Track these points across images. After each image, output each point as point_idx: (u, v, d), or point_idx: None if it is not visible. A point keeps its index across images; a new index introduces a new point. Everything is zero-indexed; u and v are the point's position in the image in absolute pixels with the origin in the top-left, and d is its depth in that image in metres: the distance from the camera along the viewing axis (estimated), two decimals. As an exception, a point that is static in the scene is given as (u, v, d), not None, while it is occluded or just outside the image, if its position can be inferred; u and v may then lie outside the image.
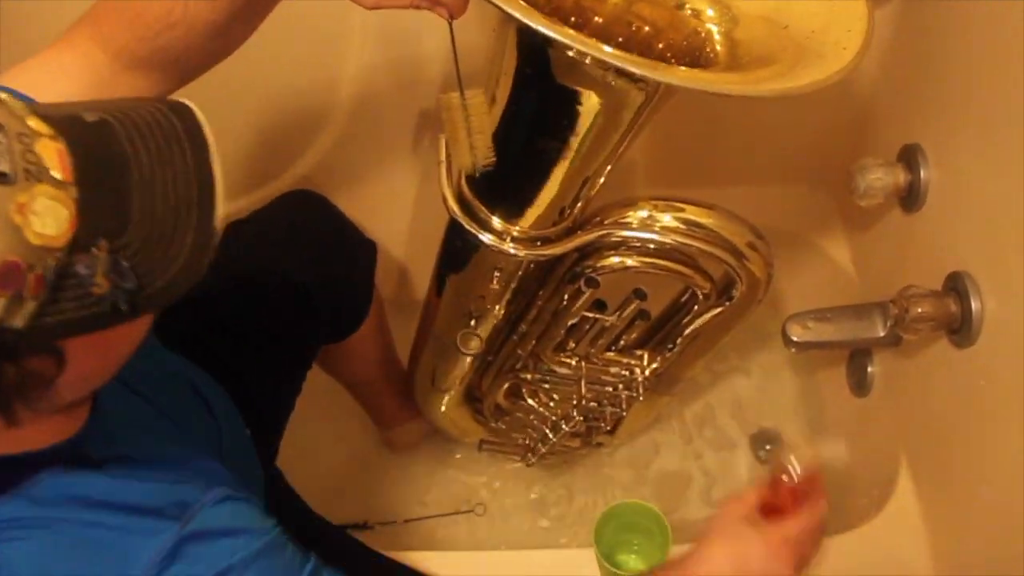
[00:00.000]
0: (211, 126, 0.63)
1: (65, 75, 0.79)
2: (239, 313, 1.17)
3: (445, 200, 1.00)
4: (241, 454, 1.05)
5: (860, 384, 1.41)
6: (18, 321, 0.52)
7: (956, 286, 1.09)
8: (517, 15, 0.70)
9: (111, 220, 0.55)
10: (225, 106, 1.23)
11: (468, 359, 1.22)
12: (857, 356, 1.42)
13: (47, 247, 0.52)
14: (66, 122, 0.56)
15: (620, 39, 0.96)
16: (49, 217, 0.52)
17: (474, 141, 0.88)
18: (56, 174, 0.53)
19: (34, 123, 0.54)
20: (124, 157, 0.57)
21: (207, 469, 0.82)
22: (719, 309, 1.15)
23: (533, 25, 0.70)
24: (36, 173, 0.52)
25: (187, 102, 0.62)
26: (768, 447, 1.58)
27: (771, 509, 0.89)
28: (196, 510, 0.69)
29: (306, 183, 1.38)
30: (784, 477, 0.90)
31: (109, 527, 0.66)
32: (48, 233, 0.52)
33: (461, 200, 1.00)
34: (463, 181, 1.00)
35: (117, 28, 0.81)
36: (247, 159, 1.40)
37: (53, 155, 0.53)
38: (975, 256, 1.08)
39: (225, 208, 1.49)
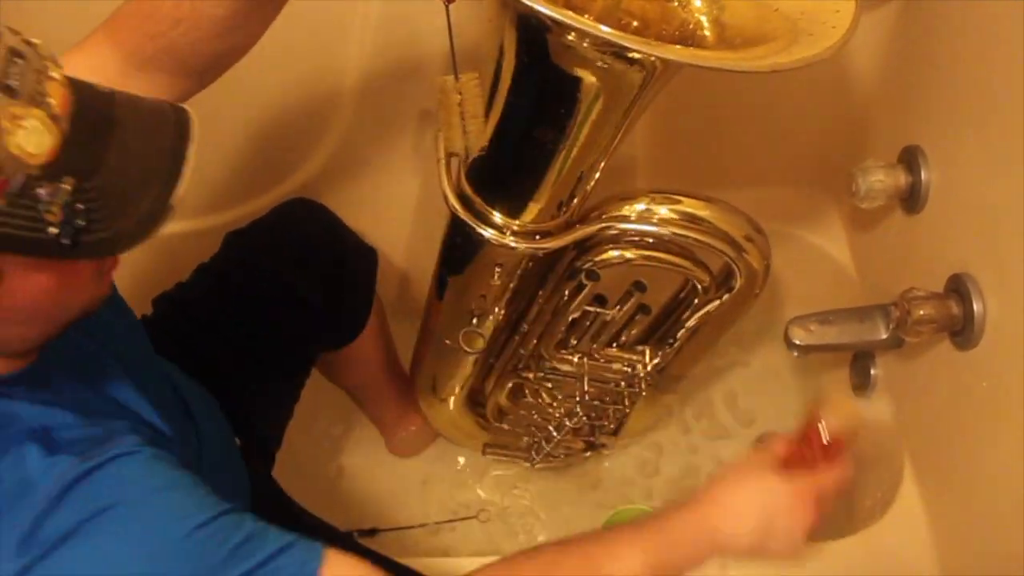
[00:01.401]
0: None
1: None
2: (238, 322, 1.17)
3: (446, 197, 1.00)
4: (224, 463, 1.05)
5: (863, 386, 1.40)
6: None
7: (958, 288, 1.08)
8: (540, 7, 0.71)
9: (84, 163, 0.61)
10: (223, 113, 1.24)
11: (471, 359, 1.22)
12: (860, 358, 1.42)
13: (21, 161, 0.58)
14: (80, 82, 0.63)
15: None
16: (34, 136, 0.58)
17: (468, 125, 0.89)
18: (55, 108, 0.60)
19: (55, 71, 0.61)
20: (114, 119, 0.64)
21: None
22: (718, 302, 1.16)
23: (535, 6, 0.70)
24: (38, 100, 0.59)
25: (186, 107, 0.68)
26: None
27: (796, 461, 0.82)
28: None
29: (306, 190, 1.38)
30: (820, 428, 0.83)
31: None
32: (28, 150, 0.58)
33: (461, 196, 1.01)
34: (463, 178, 1.01)
35: (130, 27, 0.82)
36: (246, 167, 1.40)
37: (58, 94, 0.61)
38: (977, 258, 1.08)
39: (225, 216, 1.50)
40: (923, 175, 1.19)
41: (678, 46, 0.88)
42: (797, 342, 1.23)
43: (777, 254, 1.13)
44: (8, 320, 0.67)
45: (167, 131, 0.66)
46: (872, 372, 1.38)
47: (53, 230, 0.60)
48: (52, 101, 0.60)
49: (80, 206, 0.60)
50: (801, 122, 1.46)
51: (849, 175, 1.24)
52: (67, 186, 0.60)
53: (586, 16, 0.96)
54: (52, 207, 0.59)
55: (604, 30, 0.74)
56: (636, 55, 0.80)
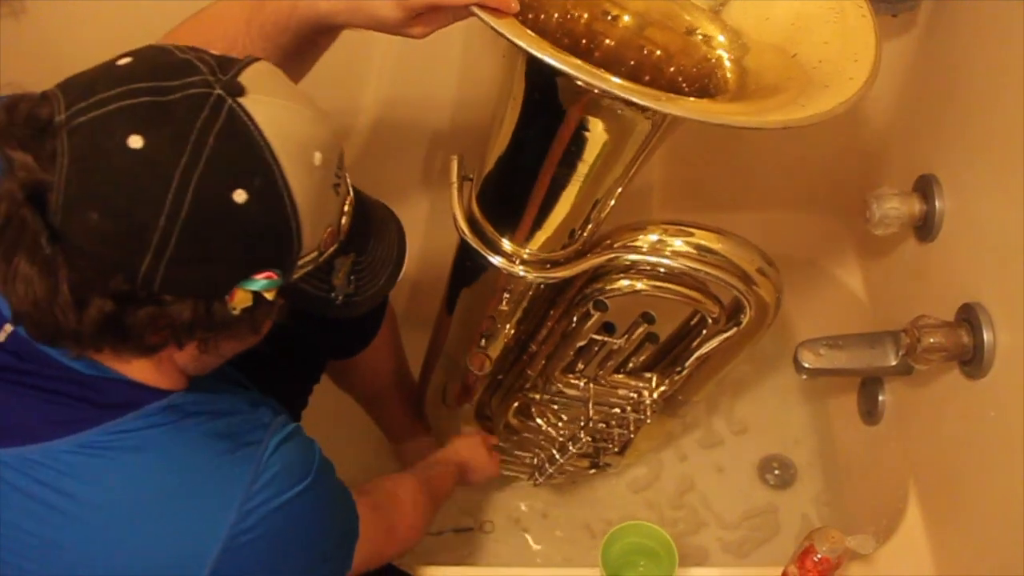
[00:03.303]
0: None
1: None
2: None
3: (456, 221, 1.00)
4: None
5: (871, 412, 1.40)
6: (296, 272, 0.72)
7: (968, 317, 1.09)
8: (525, 46, 0.71)
9: (360, 243, 0.78)
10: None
11: (478, 377, 1.22)
12: (868, 384, 1.42)
13: (338, 235, 0.75)
14: None
15: (632, 62, 0.96)
16: (348, 218, 0.76)
17: None
18: (351, 199, 0.77)
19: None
20: (369, 213, 0.81)
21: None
22: (728, 334, 1.15)
23: (541, 56, 0.71)
24: (347, 192, 0.76)
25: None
26: (777, 472, 1.57)
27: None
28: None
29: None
30: (816, 555, 1.08)
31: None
32: (344, 227, 0.75)
33: (472, 221, 1.01)
34: (474, 202, 1.01)
35: None
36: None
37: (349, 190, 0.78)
38: (988, 288, 1.08)
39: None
40: (937, 204, 1.20)
41: (690, 99, 0.87)
42: (806, 365, 1.23)
43: (790, 278, 1.13)
44: (233, 352, 0.80)
45: (393, 225, 0.84)
46: (880, 398, 1.38)
47: (332, 291, 0.76)
48: (348, 197, 0.76)
49: (353, 276, 0.77)
50: (817, 148, 1.46)
51: (863, 201, 1.24)
52: (349, 259, 0.77)
53: (606, 41, 0.96)
54: (339, 274, 0.76)
55: (615, 81, 0.74)
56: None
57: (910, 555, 1.20)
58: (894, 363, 1.21)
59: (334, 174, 0.73)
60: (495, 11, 0.77)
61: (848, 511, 1.49)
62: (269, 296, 0.69)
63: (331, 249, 0.74)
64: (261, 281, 0.69)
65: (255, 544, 0.75)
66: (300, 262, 0.71)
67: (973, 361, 1.08)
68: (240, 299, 0.68)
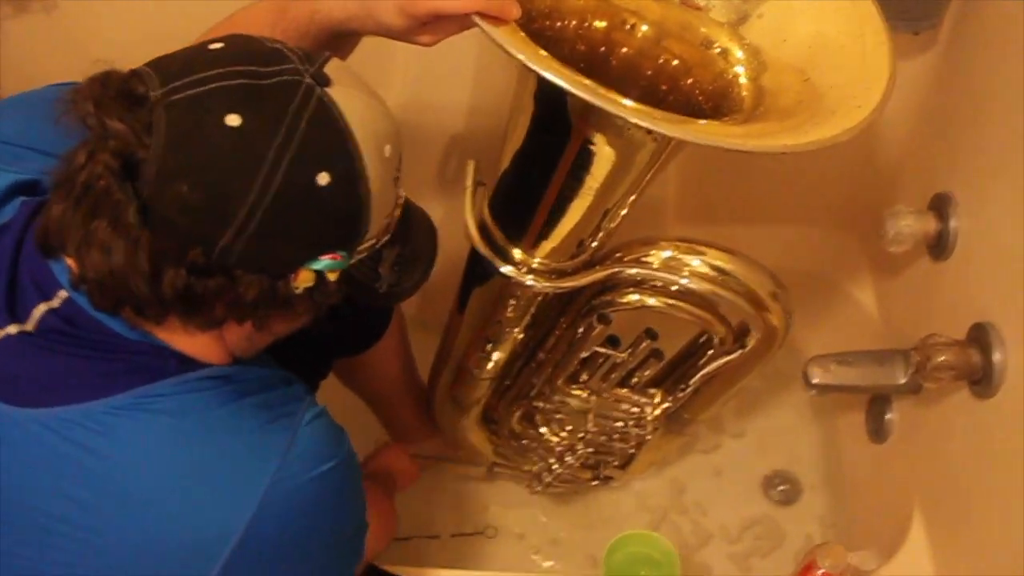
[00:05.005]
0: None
1: None
2: None
3: (467, 229, 1.01)
4: None
5: (878, 430, 1.40)
6: (355, 257, 0.74)
7: (979, 337, 1.08)
8: (524, 59, 0.72)
9: (404, 237, 0.81)
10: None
11: (486, 381, 1.23)
12: (876, 402, 1.42)
13: (389, 228, 0.78)
14: None
15: (649, 72, 0.96)
16: (397, 211, 0.79)
17: None
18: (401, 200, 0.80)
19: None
20: (410, 211, 0.83)
21: None
22: (732, 356, 1.14)
23: (537, 69, 0.72)
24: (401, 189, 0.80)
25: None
26: (781, 488, 1.57)
27: None
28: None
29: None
30: (818, 570, 1.09)
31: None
32: (396, 219, 0.79)
33: (483, 228, 1.01)
34: (485, 208, 1.01)
35: None
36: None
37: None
38: (1000, 308, 1.08)
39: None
40: (952, 223, 1.19)
41: (695, 121, 0.85)
42: (815, 381, 1.23)
43: (802, 293, 1.12)
44: (283, 333, 0.84)
45: (428, 224, 0.87)
46: (888, 417, 1.37)
47: (378, 280, 0.79)
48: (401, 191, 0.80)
49: (396, 267, 0.80)
50: (833, 164, 1.46)
51: (879, 218, 1.24)
52: (396, 251, 0.79)
53: (624, 49, 0.96)
54: (385, 263, 0.79)
55: (626, 104, 0.74)
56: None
57: (913, 573, 1.20)
58: (903, 381, 1.20)
59: (396, 167, 0.76)
60: (496, 19, 0.78)
61: (852, 529, 1.49)
62: (332, 277, 0.72)
63: (384, 239, 0.78)
64: (326, 261, 0.72)
65: (286, 513, 0.76)
66: (360, 247, 0.74)
67: (983, 381, 1.07)
68: (304, 278, 0.71)
